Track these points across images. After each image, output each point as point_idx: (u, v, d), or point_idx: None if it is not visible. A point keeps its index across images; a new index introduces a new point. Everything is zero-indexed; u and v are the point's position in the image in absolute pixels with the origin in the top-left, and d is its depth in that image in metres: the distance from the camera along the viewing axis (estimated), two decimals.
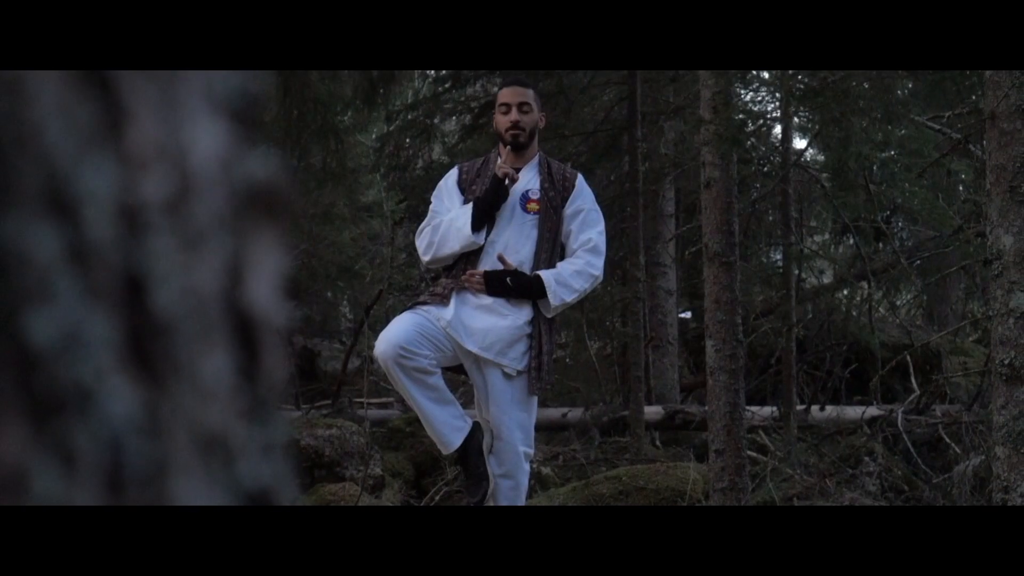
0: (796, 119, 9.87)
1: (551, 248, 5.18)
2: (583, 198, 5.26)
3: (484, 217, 5.12)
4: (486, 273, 5.08)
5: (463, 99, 10.86)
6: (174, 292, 0.55)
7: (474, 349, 5.05)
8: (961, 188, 11.10)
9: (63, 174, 0.51)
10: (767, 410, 10.04)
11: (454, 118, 11.27)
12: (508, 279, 5.07)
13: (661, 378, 10.96)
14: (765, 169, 9.76)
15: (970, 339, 12.32)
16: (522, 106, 5.27)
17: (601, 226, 5.25)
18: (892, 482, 8.22)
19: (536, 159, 5.29)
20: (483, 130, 10.60)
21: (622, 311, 10.72)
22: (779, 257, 10.89)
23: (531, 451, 5.19)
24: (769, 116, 9.89)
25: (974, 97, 8.09)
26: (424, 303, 5.12)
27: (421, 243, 5.24)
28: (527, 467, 5.17)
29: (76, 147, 0.52)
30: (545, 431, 10.34)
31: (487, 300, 5.10)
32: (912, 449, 8.43)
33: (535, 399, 5.18)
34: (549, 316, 5.11)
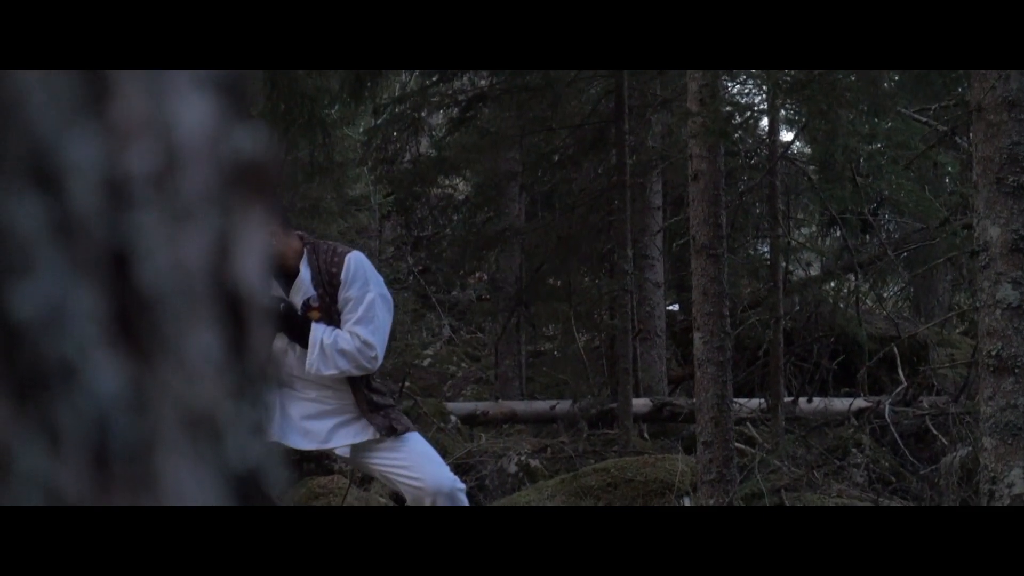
0: (783, 112, 9.87)
1: None
2: (350, 287, 4.82)
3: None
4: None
5: (450, 92, 10.86)
6: (160, 267, 0.54)
7: (327, 445, 4.87)
8: (948, 180, 11.11)
9: (47, 145, 0.50)
10: (755, 402, 10.05)
11: (441, 111, 11.27)
12: (281, 305, 4.72)
13: (649, 370, 10.95)
14: (752, 162, 9.77)
15: (957, 331, 12.35)
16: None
17: (373, 311, 4.81)
18: (880, 473, 8.23)
19: (304, 256, 4.81)
20: (470, 123, 10.59)
21: (610, 304, 10.72)
22: (766, 249, 10.90)
23: (459, 484, 4.95)
24: (756, 109, 9.89)
25: (960, 89, 8.11)
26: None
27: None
28: (461, 496, 4.94)
29: (60, 118, 0.51)
30: (533, 424, 10.34)
31: (311, 393, 4.86)
32: (899, 440, 8.44)
33: (408, 435, 4.94)
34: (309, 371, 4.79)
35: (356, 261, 4.84)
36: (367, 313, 4.78)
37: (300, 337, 4.77)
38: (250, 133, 0.59)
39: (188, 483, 0.55)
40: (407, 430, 4.94)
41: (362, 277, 4.81)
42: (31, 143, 0.50)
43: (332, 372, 4.76)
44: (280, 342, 4.82)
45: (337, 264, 4.81)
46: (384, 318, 4.85)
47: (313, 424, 4.89)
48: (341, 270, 4.79)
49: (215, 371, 0.56)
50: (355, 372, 4.79)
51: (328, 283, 4.80)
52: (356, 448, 4.91)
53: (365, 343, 4.75)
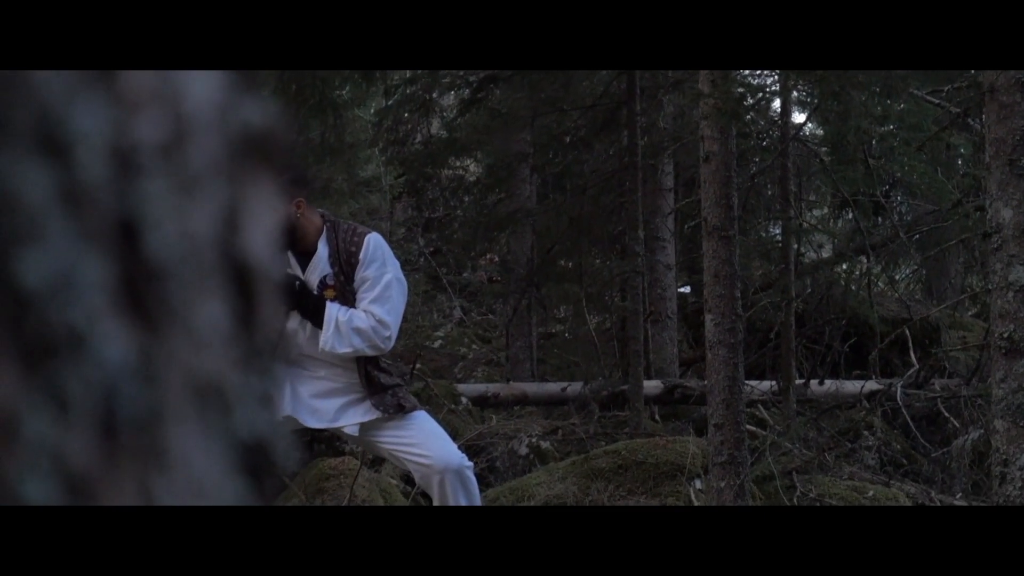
0: (795, 93, 9.85)
1: None
2: (368, 266, 4.85)
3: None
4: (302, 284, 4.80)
5: (461, 73, 10.83)
6: (168, 237, 0.54)
7: (336, 424, 4.91)
8: (960, 162, 11.09)
9: (55, 114, 0.50)
10: (766, 384, 10.04)
11: (452, 92, 11.25)
12: (296, 283, 4.75)
13: (660, 352, 10.96)
14: (764, 143, 9.75)
15: (969, 313, 12.33)
16: None
17: (389, 291, 4.86)
18: (891, 456, 8.24)
19: (323, 234, 4.88)
20: (481, 104, 10.58)
21: (621, 285, 10.72)
22: (778, 231, 10.88)
23: (467, 461, 4.98)
24: (768, 90, 9.87)
25: (973, 71, 8.07)
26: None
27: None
28: (469, 473, 4.95)
29: (68, 86, 0.51)
30: (544, 405, 10.35)
31: (321, 372, 4.90)
32: (911, 423, 8.45)
33: (415, 413, 4.98)
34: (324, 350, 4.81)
35: (375, 242, 4.88)
36: (383, 293, 4.81)
37: (314, 315, 4.80)
38: (260, 105, 0.59)
39: (196, 453, 0.55)
40: (414, 408, 4.96)
41: (380, 258, 4.85)
42: (39, 112, 0.50)
43: (346, 350, 4.79)
44: (292, 321, 4.84)
45: (356, 243, 4.84)
46: (399, 300, 4.88)
47: (322, 403, 4.92)
48: (360, 249, 4.83)
49: (223, 342, 0.56)
50: (368, 351, 4.82)
51: (346, 262, 4.83)
52: (364, 427, 4.93)
53: (380, 322, 4.77)
